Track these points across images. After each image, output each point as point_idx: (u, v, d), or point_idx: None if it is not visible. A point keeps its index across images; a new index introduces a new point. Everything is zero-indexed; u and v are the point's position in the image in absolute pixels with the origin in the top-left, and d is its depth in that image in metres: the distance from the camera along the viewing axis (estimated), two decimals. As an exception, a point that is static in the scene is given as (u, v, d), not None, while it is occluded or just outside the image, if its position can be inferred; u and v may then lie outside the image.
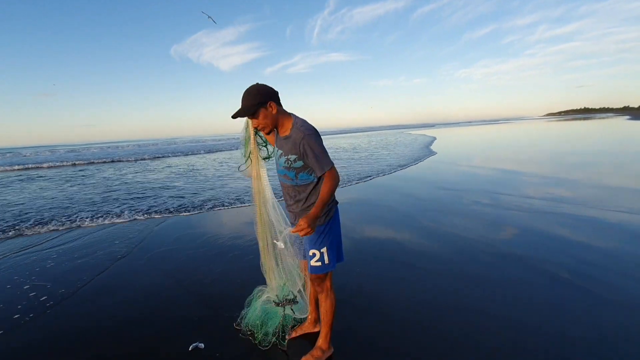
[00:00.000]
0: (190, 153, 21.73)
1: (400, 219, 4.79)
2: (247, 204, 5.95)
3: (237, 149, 20.03)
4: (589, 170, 7.90)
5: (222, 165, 13.02)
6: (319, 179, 1.76)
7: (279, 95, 1.77)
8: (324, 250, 1.81)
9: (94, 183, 9.52)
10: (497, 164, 9.64)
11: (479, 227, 4.20)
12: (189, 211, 5.64)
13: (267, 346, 2.03)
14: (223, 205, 5.95)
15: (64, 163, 17.24)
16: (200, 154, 21.09)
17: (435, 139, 24.07)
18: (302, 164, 1.73)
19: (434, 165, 10.49)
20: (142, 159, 18.40)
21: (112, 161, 17.83)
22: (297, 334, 2.18)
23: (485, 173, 8.20)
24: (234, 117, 1.75)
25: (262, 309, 2.16)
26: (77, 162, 17.43)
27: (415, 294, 2.67)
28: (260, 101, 1.69)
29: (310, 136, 1.67)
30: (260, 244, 2.05)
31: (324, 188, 1.66)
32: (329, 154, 1.71)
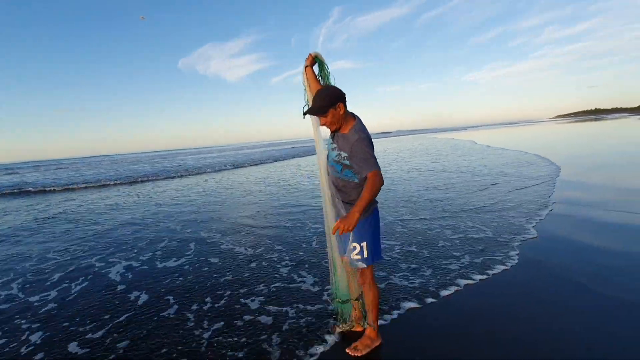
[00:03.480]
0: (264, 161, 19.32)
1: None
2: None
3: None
4: (603, 173, 7.69)
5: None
6: (362, 180, 1.88)
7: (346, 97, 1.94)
8: (364, 244, 1.95)
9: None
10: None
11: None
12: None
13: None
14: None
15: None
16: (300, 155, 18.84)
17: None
18: (349, 163, 1.89)
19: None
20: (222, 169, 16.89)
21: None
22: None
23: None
24: (305, 114, 2.00)
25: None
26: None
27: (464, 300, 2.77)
28: (331, 103, 1.88)
29: (363, 140, 1.85)
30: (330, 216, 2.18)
31: (366, 188, 1.72)
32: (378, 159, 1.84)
